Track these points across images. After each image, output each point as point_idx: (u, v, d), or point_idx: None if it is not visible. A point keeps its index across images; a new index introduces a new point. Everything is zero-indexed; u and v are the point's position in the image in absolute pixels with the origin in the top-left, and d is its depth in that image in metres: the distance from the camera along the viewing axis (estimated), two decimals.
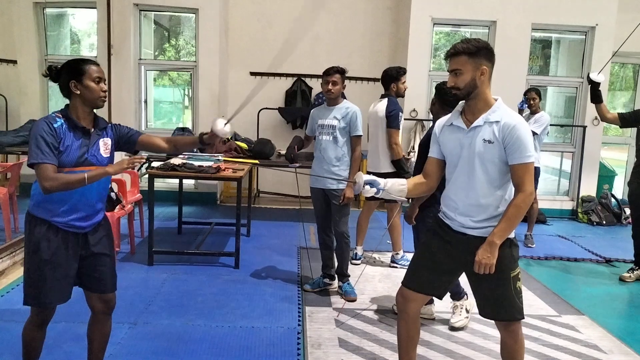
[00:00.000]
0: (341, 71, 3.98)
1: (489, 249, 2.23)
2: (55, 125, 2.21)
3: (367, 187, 2.43)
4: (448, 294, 3.41)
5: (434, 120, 3.49)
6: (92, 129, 2.34)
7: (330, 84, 3.95)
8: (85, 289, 2.46)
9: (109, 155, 2.41)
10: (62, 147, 2.21)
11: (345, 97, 4.16)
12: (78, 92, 2.27)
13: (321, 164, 4.05)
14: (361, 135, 4.01)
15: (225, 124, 2.48)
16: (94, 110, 2.38)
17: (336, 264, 4.16)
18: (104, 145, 2.39)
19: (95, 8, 6.61)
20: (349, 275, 4.16)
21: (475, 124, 2.28)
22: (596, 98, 4.56)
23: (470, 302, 3.58)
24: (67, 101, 2.34)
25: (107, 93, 2.34)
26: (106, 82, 2.35)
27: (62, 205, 2.27)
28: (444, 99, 3.41)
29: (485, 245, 2.24)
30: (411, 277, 2.51)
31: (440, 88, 3.46)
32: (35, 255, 2.27)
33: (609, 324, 3.76)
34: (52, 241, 2.27)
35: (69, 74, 2.28)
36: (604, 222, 7.06)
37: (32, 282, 2.29)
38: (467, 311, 3.62)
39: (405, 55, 6.97)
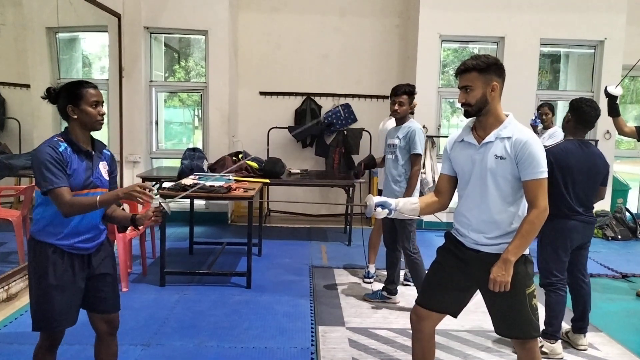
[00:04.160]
0: (409, 92, 3.98)
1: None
2: (60, 150, 2.20)
3: (379, 209, 2.42)
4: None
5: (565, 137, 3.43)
6: (93, 152, 2.35)
7: (396, 104, 3.98)
8: (89, 310, 2.45)
9: (108, 177, 2.42)
10: (70, 171, 2.22)
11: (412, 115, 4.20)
12: (75, 116, 2.26)
13: (386, 182, 4.16)
14: (420, 154, 3.98)
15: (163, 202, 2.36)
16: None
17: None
18: (104, 167, 2.40)
19: (106, 32, 6.70)
20: (393, 292, 4.24)
21: (486, 140, 2.27)
22: (613, 111, 4.50)
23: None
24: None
25: (104, 116, 2.32)
26: (104, 104, 2.34)
27: (66, 228, 2.27)
28: (580, 116, 3.28)
29: (499, 263, 2.21)
30: (425, 295, 2.48)
31: (577, 105, 3.31)
32: (42, 280, 2.26)
33: (627, 341, 3.69)
34: (58, 265, 2.26)
35: (66, 98, 2.26)
36: (619, 237, 6.96)
37: (40, 307, 2.28)
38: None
39: (414, 72, 6.98)
